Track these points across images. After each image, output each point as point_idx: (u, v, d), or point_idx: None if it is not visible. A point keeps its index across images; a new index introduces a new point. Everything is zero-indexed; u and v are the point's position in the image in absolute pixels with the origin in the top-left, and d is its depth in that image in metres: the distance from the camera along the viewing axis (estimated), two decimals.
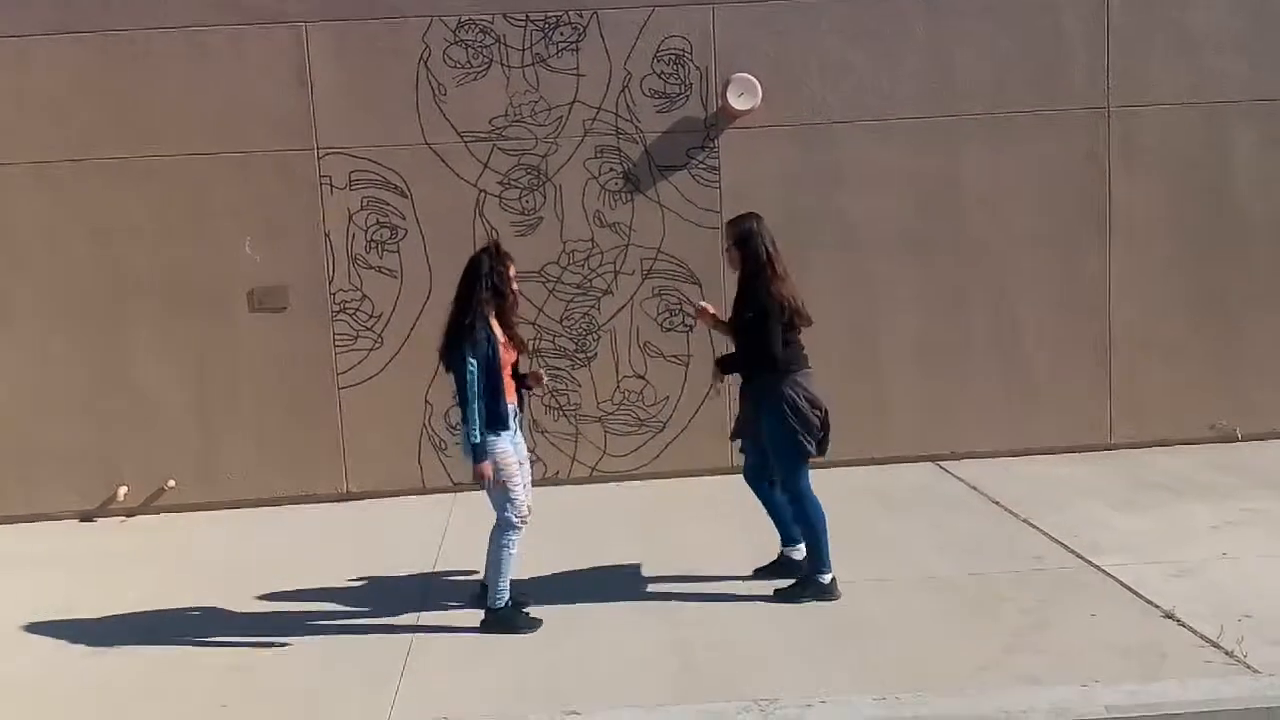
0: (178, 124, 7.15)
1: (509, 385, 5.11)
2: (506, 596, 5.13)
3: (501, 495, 5.08)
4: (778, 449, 5.29)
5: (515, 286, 5.19)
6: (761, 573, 5.60)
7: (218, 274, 7.26)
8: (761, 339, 5.17)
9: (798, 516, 5.37)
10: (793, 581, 5.37)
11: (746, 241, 5.32)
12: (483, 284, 5.02)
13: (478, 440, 4.95)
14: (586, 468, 7.55)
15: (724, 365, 5.48)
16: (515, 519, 5.10)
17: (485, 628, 5.13)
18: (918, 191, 7.48)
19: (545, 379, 5.46)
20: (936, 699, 4.08)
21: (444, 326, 5.11)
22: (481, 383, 4.94)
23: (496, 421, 4.99)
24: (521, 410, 5.34)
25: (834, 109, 7.40)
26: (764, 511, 5.62)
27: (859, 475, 7.37)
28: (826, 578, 5.29)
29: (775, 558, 5.62)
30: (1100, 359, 7.63)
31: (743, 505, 5.82)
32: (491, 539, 5.13)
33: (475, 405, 4.94)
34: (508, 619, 5.12)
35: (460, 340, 4.97)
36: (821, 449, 5.35)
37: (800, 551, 5.48)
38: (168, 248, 7.22)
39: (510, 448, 5.09)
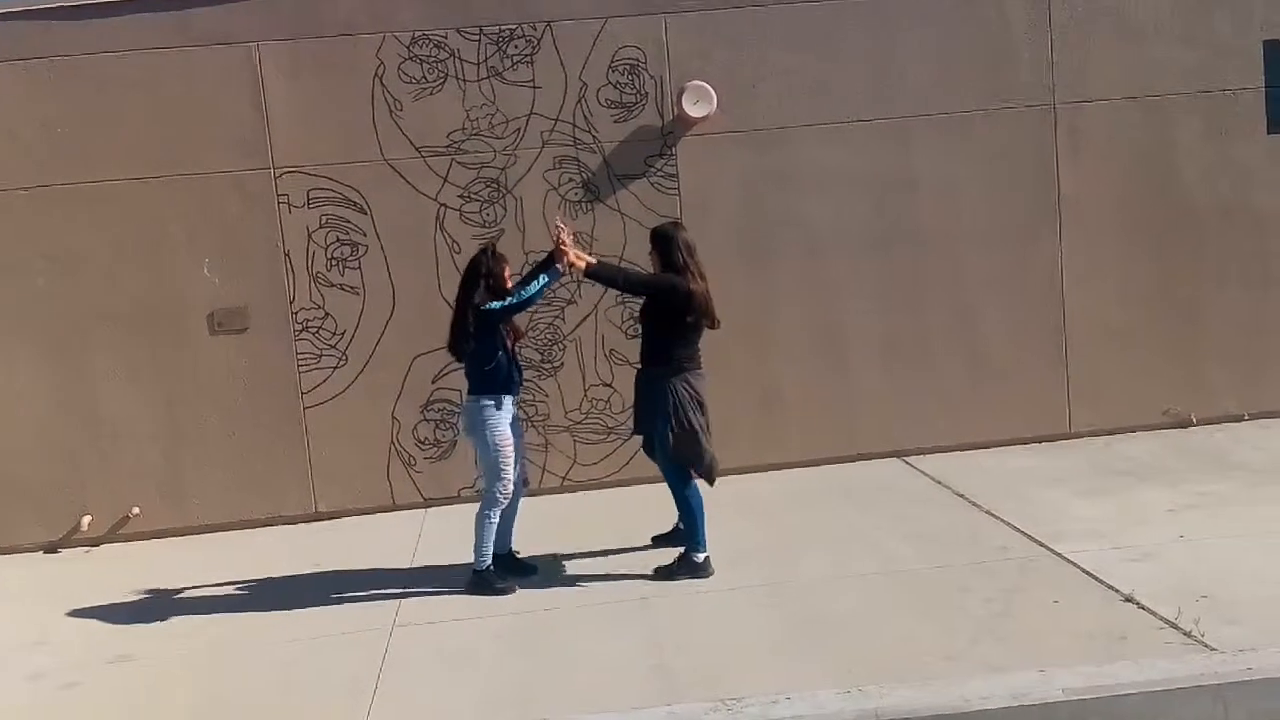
0: (132, 148, 7.11)
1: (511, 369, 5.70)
2: (488, 561, 5.72)
3: (494, 472, 5.62)
4: (662, 435, 5.66)
5: (510, 285, 5.73)
6: (660, 540, 6.05)
7: (177, 297, 7.23)
8: (640, 285, 5.80)
9: (677, 499, 5.74)
10: (672, 560, 5.74)
11: (662, 244, 5.74)
12: (483, 284, 5.60)
13: (544, 280, 5.64)
14: (557, 477, 7.58)
15: (590, 270, 5.75)
16: (500, 496, 5.65)
17: (468, 589, 5.71)
18: (873, 192, 7.59)
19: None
20: (899, 689, 4.15)
21: (451, 322, 5.72)
22: (504, 308, 5.60)
23: (502, 390, 5.62)
24: (517, 394, 5.85)
25: (788, 114, 7.49)
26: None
27: (827, 472, 7.47)
28: (700, 556, 5.70)
29: (673, 527, 6.01)
30: (1057, 349, 7.77)
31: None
32: (478, 512, 5.70)
33: (524, 296, 5.62)
34: (486, 580, 5.70)
35: (467, 319, 5.59)
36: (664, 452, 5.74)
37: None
38: (125, 272, 7.19)
39: (508, 430, 5.66)
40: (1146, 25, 7.66)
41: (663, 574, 5.71)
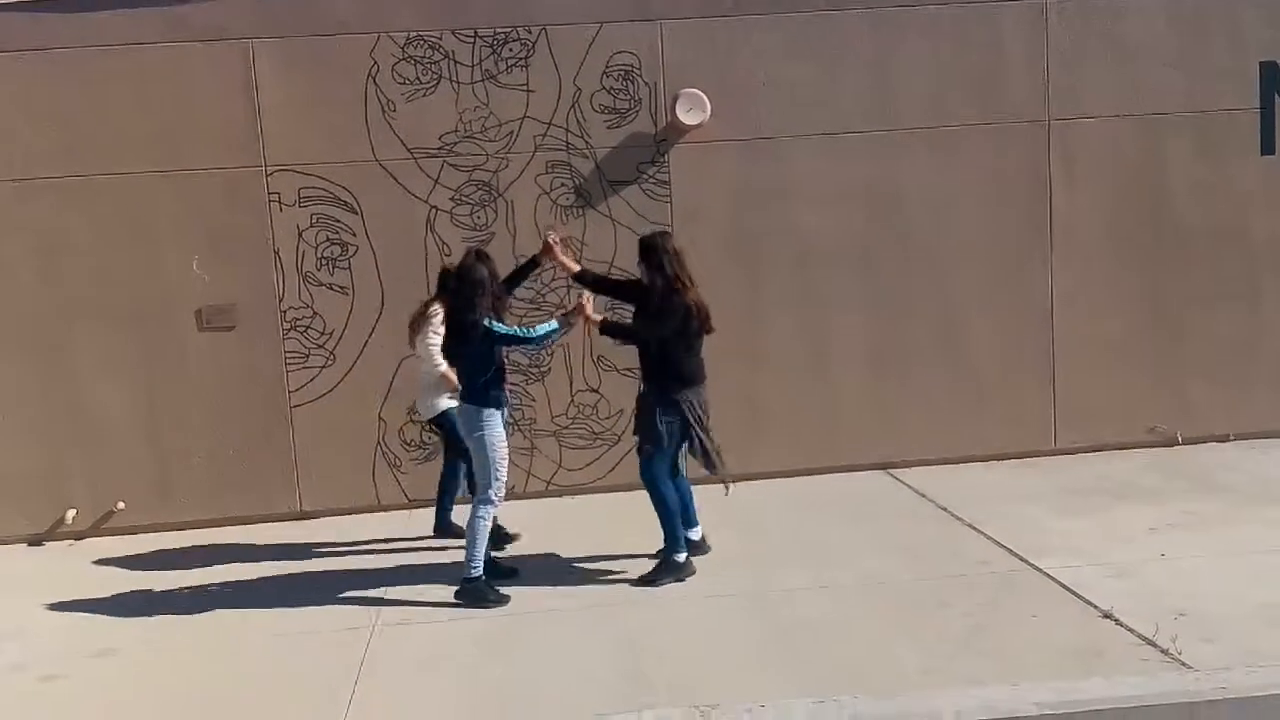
0: (123, 142, 7.11)
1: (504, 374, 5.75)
2: (480, 569, 5.61)
3: (489, 474, 5.59)
4: (644, 435, 5.74)
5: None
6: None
7: (166, 293, 7.22)
8: (652, 333, 5.71)
9: (653, 502, 5.76)
10: (652, 567, 5.75)
11: (650, 254, 5.74)
12: (481, 289, 5.56)
13: (555, 326, 5.65)
14: (542, 481, 7.57)
15: (605, 327, 5.88)
16: (495, 497, 5.63)
17: (459, 598, 5.60)
18: (865, 203, 7.60)
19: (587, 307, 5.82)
20: (872, 701, 4.15)
21: (446, 328, 5.77)
22: (509, 336, 5.59)
23: (496, 402, 5.60)
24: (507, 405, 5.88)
25: (782, 123, 7.50)
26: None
27: (810, 483, 7.47)
28: (680, 557, 5.72)
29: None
30: (1044, 366, 7.78)
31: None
32: (471, 514, 5.63)
33: (532, 335, 5.63)
34: (479, 592, 5.58)
35: (471, 330, 5.53)
36: (708, 465, 5.85)
37: (697, 532, 5.98)
38: (114, 267, 7.17)
39: (504, 431, 5.67)
40: (1143, 45, 7.68)
41: (645, 580, 5.70)
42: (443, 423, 6.51)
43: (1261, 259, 7.85)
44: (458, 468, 6.55)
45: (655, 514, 5.80)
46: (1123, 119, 7.70)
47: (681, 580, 5.67)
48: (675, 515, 5.73)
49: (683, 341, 5.69)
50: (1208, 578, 5.36)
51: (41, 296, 7.16)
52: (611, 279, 6.28)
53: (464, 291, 5.59)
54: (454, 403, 6.29)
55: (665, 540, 5.78)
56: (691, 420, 5.68)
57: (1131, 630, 4.78)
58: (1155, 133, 7.73)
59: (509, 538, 6.39)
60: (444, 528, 6.67)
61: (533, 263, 6.09)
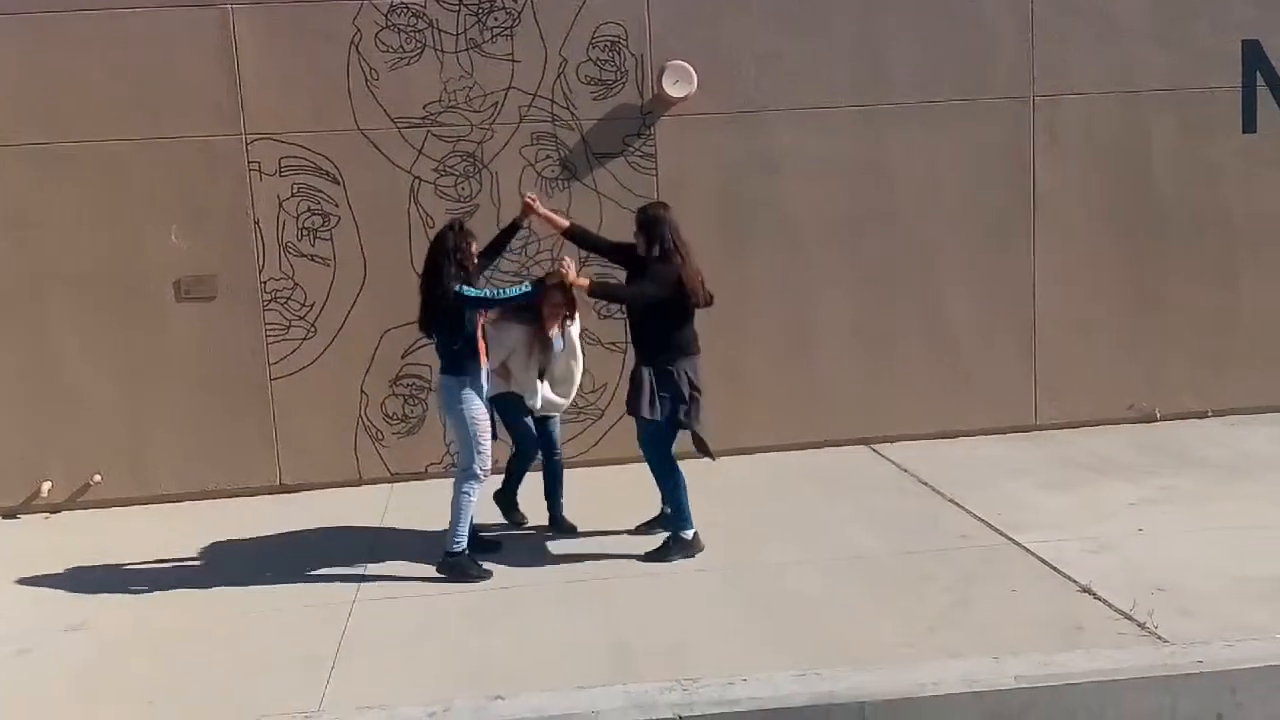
0: (99, 109, 6.99)
1: (481, 348, 5.61)
2: (464, 544, 5.56)
3: (470, 448, 5.51)
4: (638, 408, 5.65)
5: (476, 262, 5.66)
6: (644, 527, 6.02)
7: (143, 263, 7.13)
8: (643, 296, 5.61)
9: (660, 481, 5.76)
10: (660, 543, 5.72)
11: (650, 227, 5.66)
12: (451, 260, 5.45)
13: (528, 288, 5.57)
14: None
15: (595, 289, 5.73)
16: (480, 472, 5.54)
17: (440, 571, 5.57)
18: (850, 179, 7.58)
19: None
20: (853, 673, 4.18)
21: (421, 300, 5.59)
22: (479, 299, 5.50)
23: (474, 372, 5.51)
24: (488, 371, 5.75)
25: (768, 97, 7.46)
26: (692, 494, 5.79)
27: (794, 459, 7.50)
28: (689, 534, 5.70)
29: (657, 513, 6.00)
30: (1025, 342, 7.82)
31: None
32: (455, 489, 5.56)
33: (501, 296, 5.57)
34: (462, 566, 5.55)
35: (442, 299, 5.44)
36: (692, 425, 5.73)
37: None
38: (91, 237, 7.07)
39: (483, 405, 5.56)
40: (1127, 22, 7.68)
41: (655, 557, 5.66)
42: None
43: (1242, 237, 7.91)
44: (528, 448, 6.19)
45: (659, 487, 5.79)
46: (1106, 96, 7.71)
47: (691, 557, 5.65)
48: (683, 491, 5.69)
49: (676, 310, 5.61)
50: (1186, 552, 5.41)
51: (16, 266, 7.05)
52: (604, 239, 6.09)
53: (433, 258, 5.53)
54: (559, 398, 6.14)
55: (674, 517, 5.74)
56: (684, 391, 5.61)
57: (1110, 605, 4.83)
58: (1139, 110, 7.74)
59: (491, 546, 5.94)
60: (556, 520, 6.30)
61: (513, 227, 5.97)
